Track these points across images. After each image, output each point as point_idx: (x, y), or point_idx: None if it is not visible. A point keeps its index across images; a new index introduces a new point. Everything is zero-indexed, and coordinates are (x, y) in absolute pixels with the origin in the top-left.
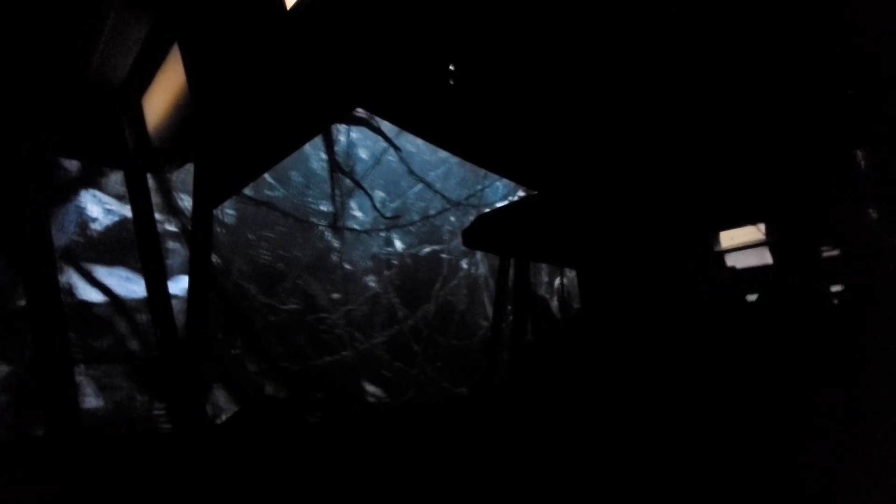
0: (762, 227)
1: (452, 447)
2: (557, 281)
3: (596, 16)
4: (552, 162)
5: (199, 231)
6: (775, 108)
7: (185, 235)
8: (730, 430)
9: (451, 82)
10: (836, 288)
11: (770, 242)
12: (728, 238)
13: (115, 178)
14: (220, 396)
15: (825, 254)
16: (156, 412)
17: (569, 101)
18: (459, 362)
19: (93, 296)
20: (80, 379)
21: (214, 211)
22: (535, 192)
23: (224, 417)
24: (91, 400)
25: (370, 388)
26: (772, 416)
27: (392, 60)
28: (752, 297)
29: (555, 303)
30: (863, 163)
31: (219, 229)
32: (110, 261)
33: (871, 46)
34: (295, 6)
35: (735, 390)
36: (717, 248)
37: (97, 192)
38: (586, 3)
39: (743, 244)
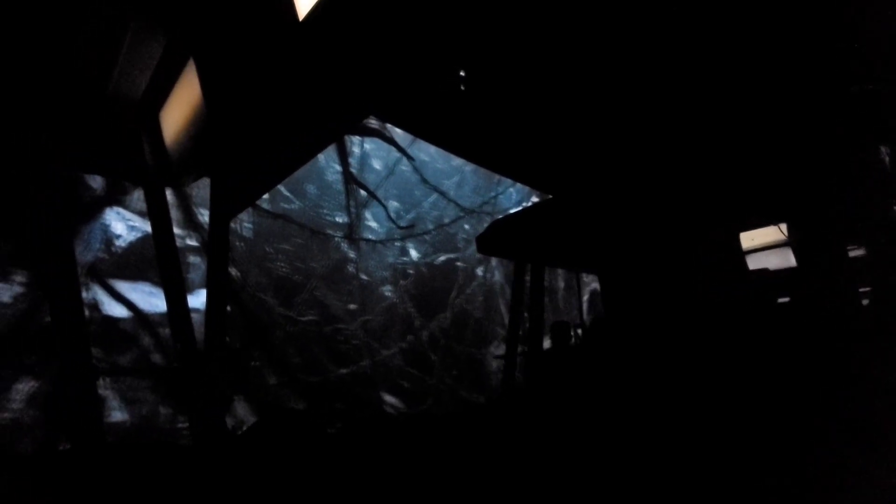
0: (783, 227)
1: (470, 457)
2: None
3: (612, 16)
4: (570, 164)
5: (215, 242)
6: (797, 107)
7: (205, 250)
8: (749, 436)
9: (462, 88)
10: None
11: (792, 243)
12: (748, 239)
13: (138, 195)
14: (241, 408)
15: (851, 253)
16: (179, 425)
17: (584, 102)
18: (477, 370)
19: (117, 311)
20: (106, 393)
21: (232, 224)
22: (549, 197)
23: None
24: (116, 413)
25: (388, 398)
26: (784, 417)
27: (402, 68)
28: (780, 299)
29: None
30: (887, 160)
31: (237, 242)
32: (134, 276)
33: (888, 42)
34: (306, 18)
35: (757, 395)
36: (740, 250)
37: (121, 210)
38: (602, 6)
39: (764, 245)
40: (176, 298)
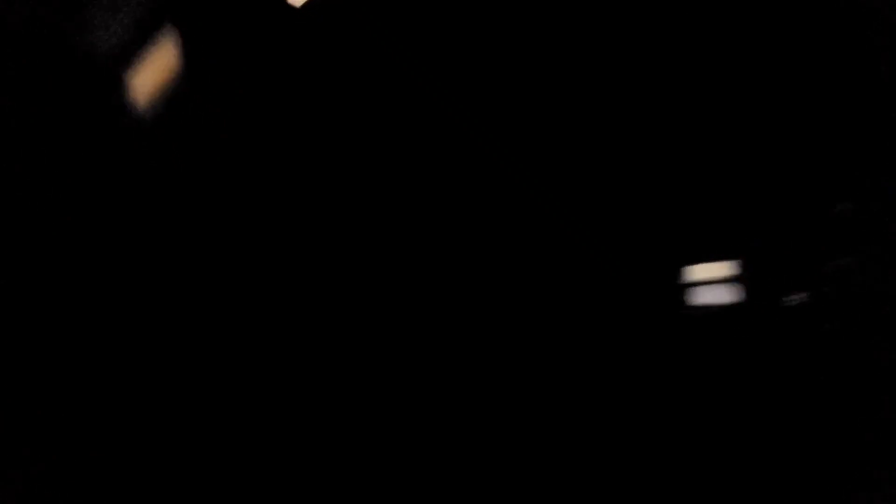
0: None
1: (470, 451)
2: None
3: (614, 17)
4: (568, 168)
5: None
6: (823, 111)
7: None
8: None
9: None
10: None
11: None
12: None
13: None
14: None
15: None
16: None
17: (586, 103)
18: None
19: None
20: None
21: None
22: None
23: None
24: None
25: None
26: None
27: (400, 61)
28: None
29: None
30: None
31: None
32: None
33: None
34: (304, 5)
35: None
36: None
37: None
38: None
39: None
40: None
